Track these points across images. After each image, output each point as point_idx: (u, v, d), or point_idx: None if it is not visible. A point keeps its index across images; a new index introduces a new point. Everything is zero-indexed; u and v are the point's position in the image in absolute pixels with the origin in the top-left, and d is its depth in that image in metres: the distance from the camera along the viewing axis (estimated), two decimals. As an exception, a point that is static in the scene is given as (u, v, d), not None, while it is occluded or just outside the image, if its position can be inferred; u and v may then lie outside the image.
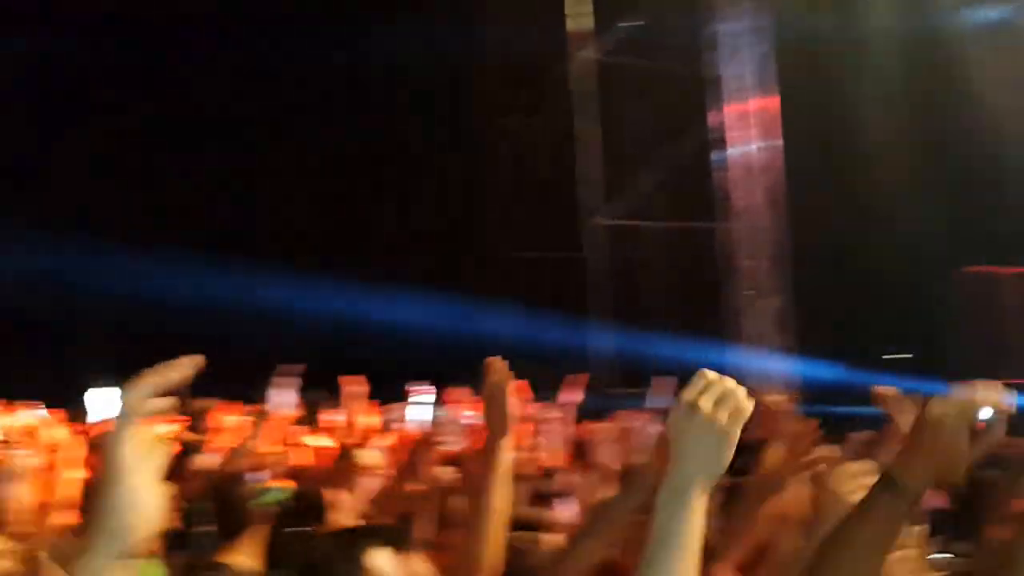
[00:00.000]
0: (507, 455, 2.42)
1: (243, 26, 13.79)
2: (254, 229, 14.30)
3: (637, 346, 11.17)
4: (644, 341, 11.14)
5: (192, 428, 5.53)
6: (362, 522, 3.41)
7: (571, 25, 13.37)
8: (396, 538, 2.13)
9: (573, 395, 5.37)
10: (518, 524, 2.93)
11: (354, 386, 5.22)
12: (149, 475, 1.32)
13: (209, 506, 3.62)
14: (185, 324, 11.22)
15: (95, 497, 1.34)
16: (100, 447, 1.24)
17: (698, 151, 13.18)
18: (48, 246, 12.34)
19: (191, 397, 5.93)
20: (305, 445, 4.89)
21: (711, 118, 13.43)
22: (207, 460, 4.15)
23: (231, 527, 3.49)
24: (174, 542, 3.42)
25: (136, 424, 1.32)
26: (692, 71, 13.22)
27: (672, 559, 1.39)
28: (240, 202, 14.49)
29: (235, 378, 5.65)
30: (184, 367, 1.35)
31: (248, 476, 3.96)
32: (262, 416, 4.67)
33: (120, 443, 1.30)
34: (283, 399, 5.50)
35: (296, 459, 4.73)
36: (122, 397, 1.33)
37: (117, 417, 1.32)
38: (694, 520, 1.40)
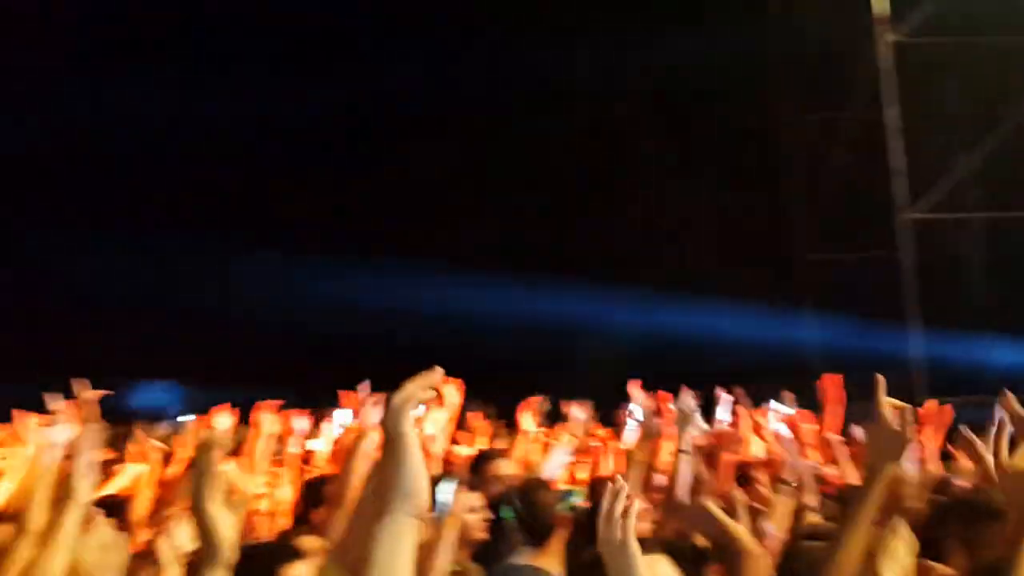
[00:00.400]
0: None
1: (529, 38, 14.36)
2: (563, 249, 14.78)
3: (955, 350, 10.36)
4: (963, 344, 10.32)
5: (494, 435, 5.84)
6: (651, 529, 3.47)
7: (874, 8, 12.64)
8: (676, 552, 2.21)
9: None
10: (821, 535, 2.88)
11: (647, 398, 5.27)
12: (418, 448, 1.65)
13: (512, 511, 3.76)
14: (499, 339, 11.90)
15: (383, 468, 1.65)
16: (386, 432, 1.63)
17: (1018, 133, 11.96)
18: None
19: (495, 411, 6.29)
20: (596, 453, 5.02)
21: (1038, 93, 12.17)
22: (507, 466, 4.35)
23: (537, 532, 3.59)
24: (481, 546, 3.60)
25: (413, 408, 1.66)
26: (1011, 44, 12.04)
27: (855, 524, 2.09)
28: (544, 223, 15.06)
29: (545, 387, 5.92)
30: (437, 373, 1.71)
31: (551, 481, 4.11)
32: (561, 425, 4.84)
33: (405, 422, 1.65)
34: (579, 410, 5.69)
35: (589, 467, 4.87)
36: (403, 386, 1.67)
37: (396, 402, 1.66)
38: (875, 496, 2.10)
